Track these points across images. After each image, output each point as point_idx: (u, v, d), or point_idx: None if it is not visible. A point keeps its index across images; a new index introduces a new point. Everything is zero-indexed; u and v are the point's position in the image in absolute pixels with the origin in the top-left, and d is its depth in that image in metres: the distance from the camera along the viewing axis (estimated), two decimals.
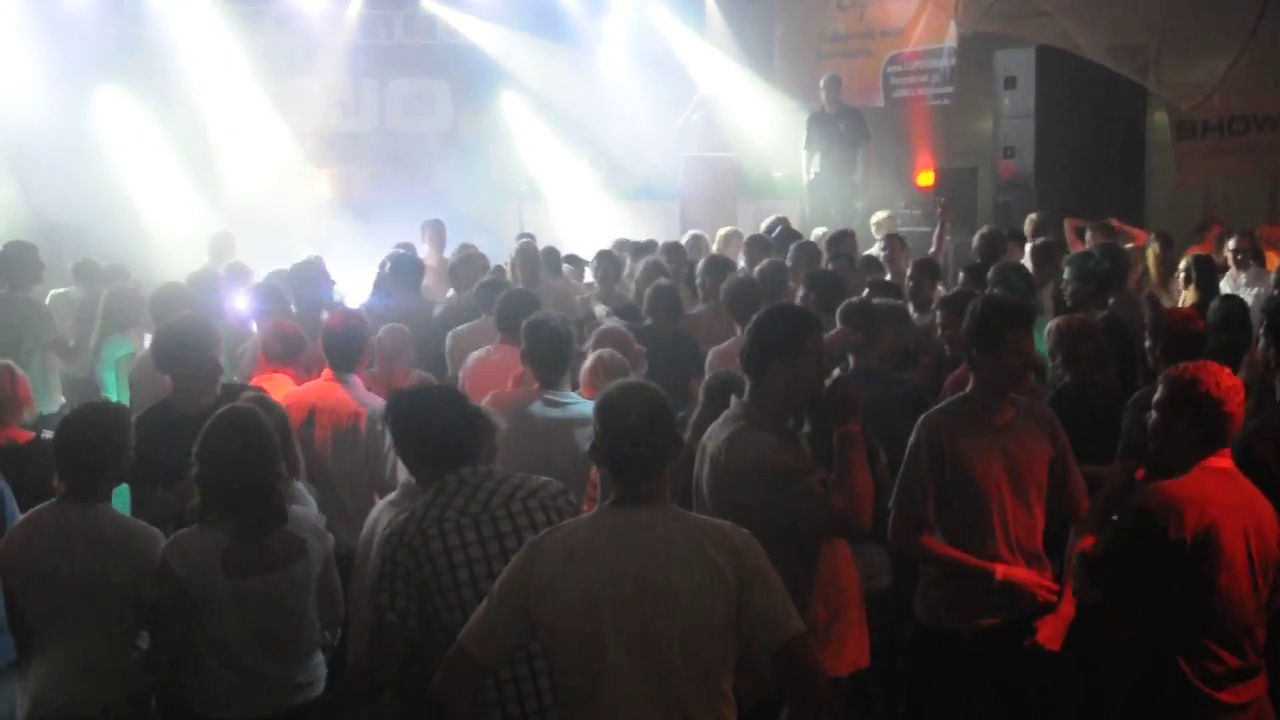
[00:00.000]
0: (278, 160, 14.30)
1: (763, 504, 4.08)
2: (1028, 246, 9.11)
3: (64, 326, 8.67)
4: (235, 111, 14.54)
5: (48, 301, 9.07)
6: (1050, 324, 6.16)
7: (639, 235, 11.51)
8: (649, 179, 15.15)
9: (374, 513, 4.47)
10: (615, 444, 3.37)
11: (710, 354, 6.82)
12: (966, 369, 5.02)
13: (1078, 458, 4.81)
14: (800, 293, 7.47)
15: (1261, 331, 4.83)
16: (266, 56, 14.80)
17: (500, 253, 10.97)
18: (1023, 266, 7.98)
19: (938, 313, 6.61)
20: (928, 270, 8.28)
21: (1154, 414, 4.17)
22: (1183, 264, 8.35)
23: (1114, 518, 4.21)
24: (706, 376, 5.80)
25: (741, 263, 9.46)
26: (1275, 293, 7.43)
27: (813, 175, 13.45)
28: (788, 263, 8.64)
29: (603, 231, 11.85)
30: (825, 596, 4.31)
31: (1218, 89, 12.51)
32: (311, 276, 7.88)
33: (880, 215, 12.31)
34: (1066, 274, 7.23)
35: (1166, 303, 8.29)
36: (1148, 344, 5.91)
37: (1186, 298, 8.10)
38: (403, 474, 4.42)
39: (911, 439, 4.74)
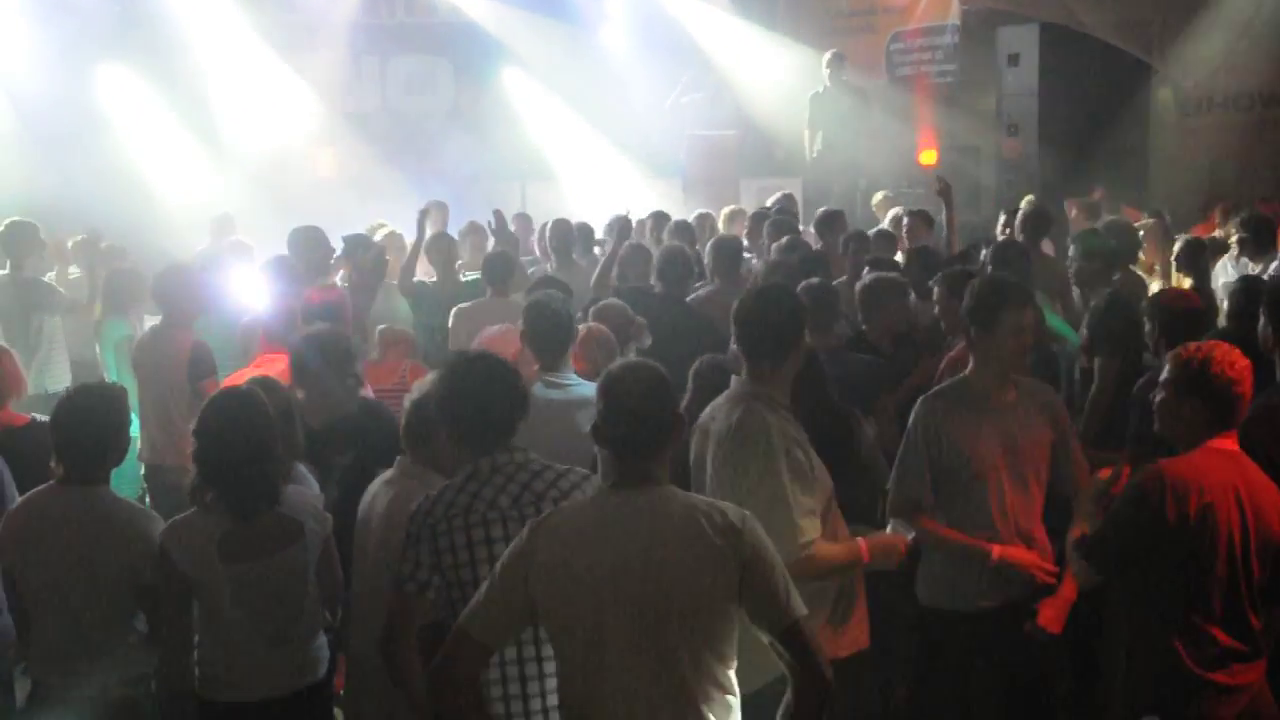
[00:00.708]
0: (278, 139, 14.26)
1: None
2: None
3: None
4: (236, 90, 14.51)
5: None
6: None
7: (641, 214, 11.50)
8: (651, 157, 15.10)
9: (370, 491, 4.45)
10: (616, 424, 3.36)
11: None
12: (964, 349, 5.01)
13: None
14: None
15: (1262, 310, 4.80)
16: (268, 35, 14.75)
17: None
18: (1021, 244, 7.93)
19: (935, 291, 6.59)
20: (927, 259, 8.20)
21: (1161, 392, 4.15)
22: (1176, 247, 8.32)
23: (1115, 496, 4.22)
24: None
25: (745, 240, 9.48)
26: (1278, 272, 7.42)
27: (815, 154, 13.40)
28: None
29: (605, 210, 11.81)
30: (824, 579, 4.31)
31: (1223, 65, 12.47)
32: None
33: (879, 196, 12.28)
34: (1072, 251, 7.22)
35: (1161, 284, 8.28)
36: (1147, 327, 5.92)
37: (1180, 281, 8.08)
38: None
39: (910, 421, 4.74)
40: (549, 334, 5.56)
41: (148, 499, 6.49)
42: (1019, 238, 8.47)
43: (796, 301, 4.47)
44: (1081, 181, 11.86)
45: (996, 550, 4.60)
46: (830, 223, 9.56)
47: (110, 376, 7.16)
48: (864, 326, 6.63)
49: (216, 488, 4.20)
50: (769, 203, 11.17)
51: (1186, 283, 7.90)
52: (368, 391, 5.79)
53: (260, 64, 14.61)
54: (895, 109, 14.42)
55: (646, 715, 3.22)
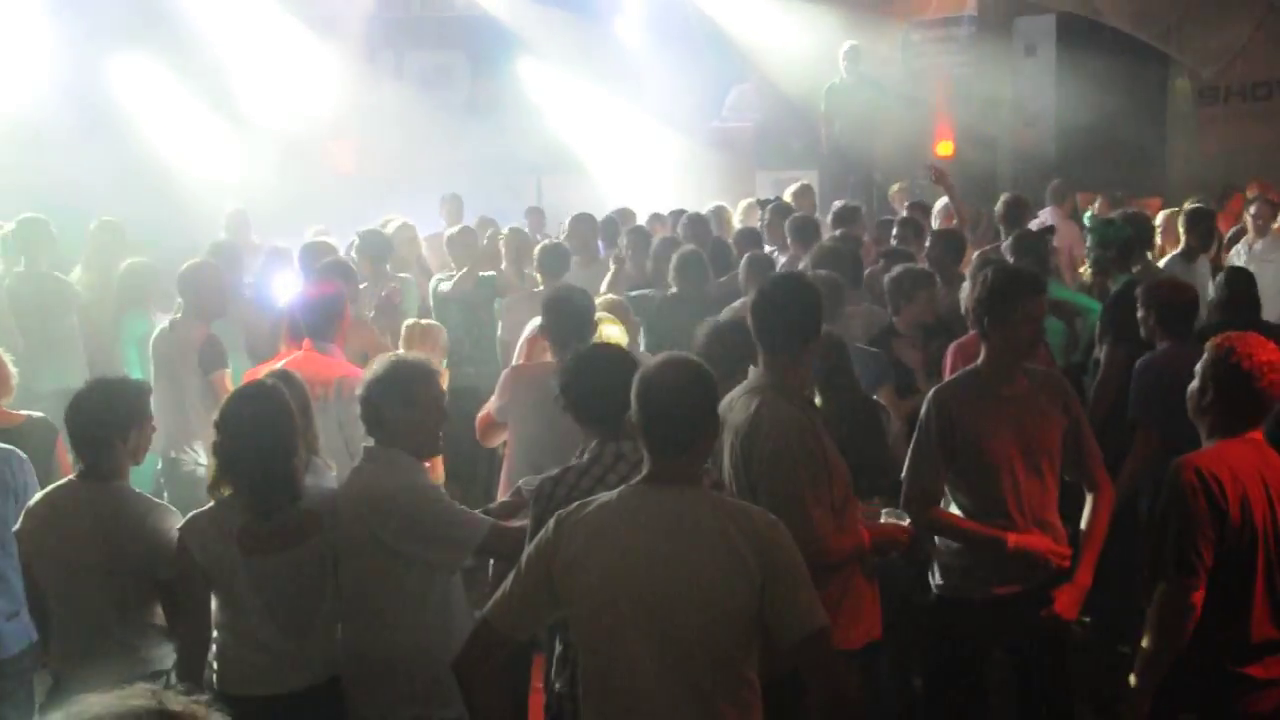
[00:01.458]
0: (295, 134, 14.28)
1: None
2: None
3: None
4: (253, 85, 14.52)
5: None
6: None
7: (658, 206, 11.51)
8: (667, 149, 15.09)
9: (346, 480, 4.43)
10: (650, 420, 3.31)
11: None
12: (974, 338, 5.01)
13: None
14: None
15: None
16: (284, 30, 14.77)
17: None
18: (1038, 233, 7.93)
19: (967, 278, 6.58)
20: (951, 243, 8.20)
21: (1198, 380, 4.13)
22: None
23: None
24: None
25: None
26: None
27: (831, 146, 13.38)
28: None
29: (620, 203, 11.83)
30: (838, 569, 4.31)
31: (1241, 54, 12.42)
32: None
33: (895, 187, 12.26)
34: (1089, 240, 7.22)
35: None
36: (1140, 314, 6.01)
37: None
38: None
39: (922, 411, 4.74)
40: (568, 328, 5.57)
41: (165, 493, 6.50)
42: (1000, 228, 8.50)
43: (814, 293, 4.47)
44: (1098, 173, 11.81)
45: (1012, 539, 4.60)
46: (846, 217, 9.58)
47: (132, 372, 7.18)
48: (894, 318, 6.64)
49: (236, 482, 4.22)
50: (787, 195, 11.16)
51: None
52: None
53: (276, 59, 14.62)
54: (912, 100, 14.38)
55: (665, 710, 3.21)
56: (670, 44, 15.67)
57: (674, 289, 7.65)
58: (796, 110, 14.54)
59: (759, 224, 10.19)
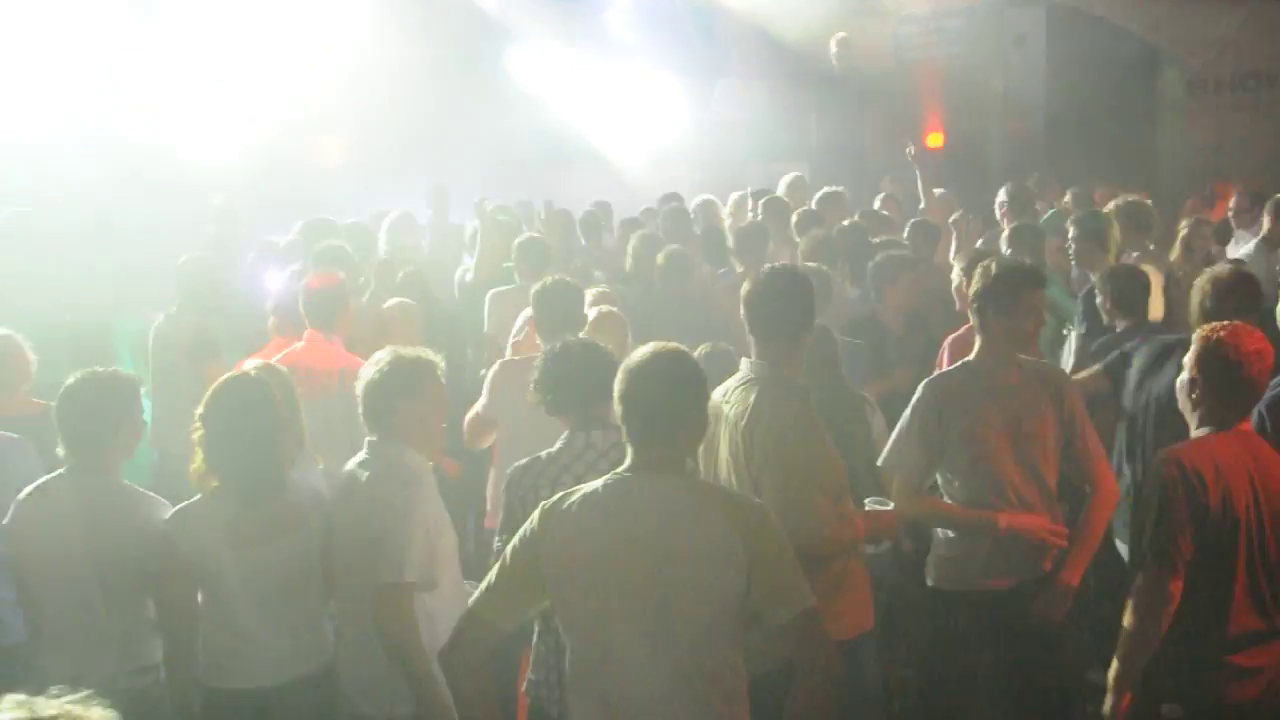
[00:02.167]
0: (283, 124, 14.22)
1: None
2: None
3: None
4: (240, 78, 14.44)
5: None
6: None
7: (649, 199, 11.48)
8: (659, 141, 15.05)
9: (344, 475, 4.38)
10: (631, 411, 3.35)
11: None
12: (969, 331, 5.02)
13: None
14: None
15: None
16: (273, 22, 14.68)
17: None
18: (1035, 227, 7.93)
19: (955, 269, 6.58)
20: (924, 232, 8.21)
21: (1183, 375, 4.14)
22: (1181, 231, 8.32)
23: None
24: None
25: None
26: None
27: (819, 137, 13.36)
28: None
29: (612, 195, 11.80)
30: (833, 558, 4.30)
31: (1230, 46, 12.44)
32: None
33: (886, 179, 12.24)
34: (1071, 231, 7.23)
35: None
36: (1098, 299, 6.18)
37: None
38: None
39: (913, 401, 4.74)
40: (557, 319, 5.56)
41: (161, 488, 6.47)
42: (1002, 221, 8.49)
43: (807, 284, 4.47)
44: (1088, 164, 11.81)
45: (1004, 519, 4.62)
46: (831, 203, 9.64)
47: (124, 368, 7.14)
48: (876, 305, 6.64)
49: (224, 473, 4.20)
50: (780, 188, 11.13)
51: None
52: None
53: (265, 50, 14.54)
54: (903, 92, 14.36)
55: (651, 698, 3.23)
56: (662, 35, 15.62)
57: (657, 285, 7.65)
58: (786, 102, 14.51)
59: (753, 217, 10.17)
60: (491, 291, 7.73)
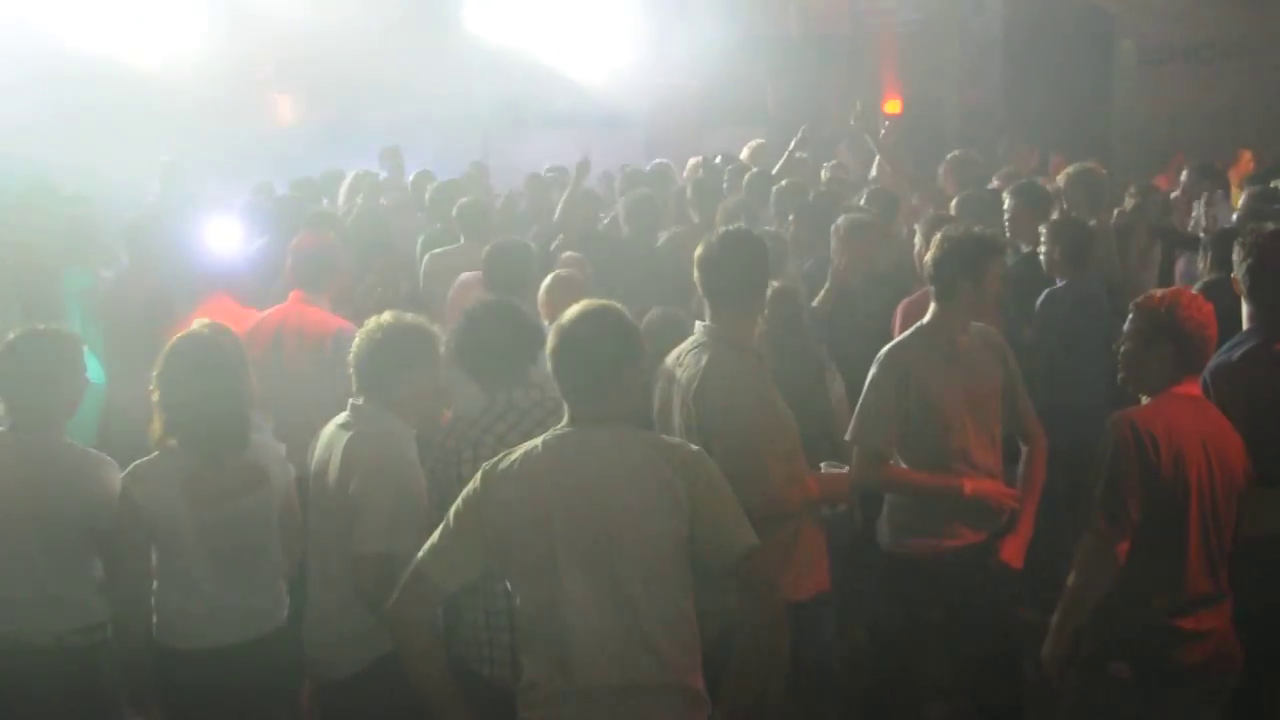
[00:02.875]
0: (235, 83, 14.02)
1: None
2: None
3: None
4: (189, 36, 14.21)
5: None
6: None
7: (603, 164, 11.42)
8: (613, 106, 14.97)
9: (322, 436, 4.33)
10: (562, 370, 3.37)
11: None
12: (924, 295, 5.03)
13: None
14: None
15: (1236, 253, 4.77)
16: None
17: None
18: (990, 192, 7.93)
19: (917, 235, 6.58)
20: (885, 201, 8.17)
21: (1127, 343, 4.14)
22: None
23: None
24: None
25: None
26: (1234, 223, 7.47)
27: (777, 102, 13.33)
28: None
29: (567, 159, 11.73)
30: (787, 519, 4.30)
31: (1182, 16, 12.50)
32: None
33: (842, 145, 12.24)
34: (1008, 203, 7.26)
35: None
36: (1043, 248, 6.36)
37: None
38: None
39: (873, 371, 4.73)
40: (508, 279, 5.53)
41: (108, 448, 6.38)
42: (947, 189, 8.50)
43: (762, 246, 4.45)
44: (1044, 131, 11.85)
45: (969, 484, 4.64)
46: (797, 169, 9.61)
47: (74, 326, 7.02)
48: (837, 266, 6.61)
49: (184, 431, 4.15)
50: (743, 154, 11.10)
51: None
52: None
53: (213, 7, 14.31)
54: (860, 58, 14.36)
55: (603, 649, 3.23)
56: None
57: (625, 230, 7.65)
58: (743, 68, 14.45)
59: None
60: (430, 253, 7.65)
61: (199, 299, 6.20)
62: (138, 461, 4.26)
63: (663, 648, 3.25)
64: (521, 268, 5.62)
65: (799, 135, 10.30)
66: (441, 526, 3.39)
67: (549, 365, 3.42)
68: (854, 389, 4.95)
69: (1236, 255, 4.67)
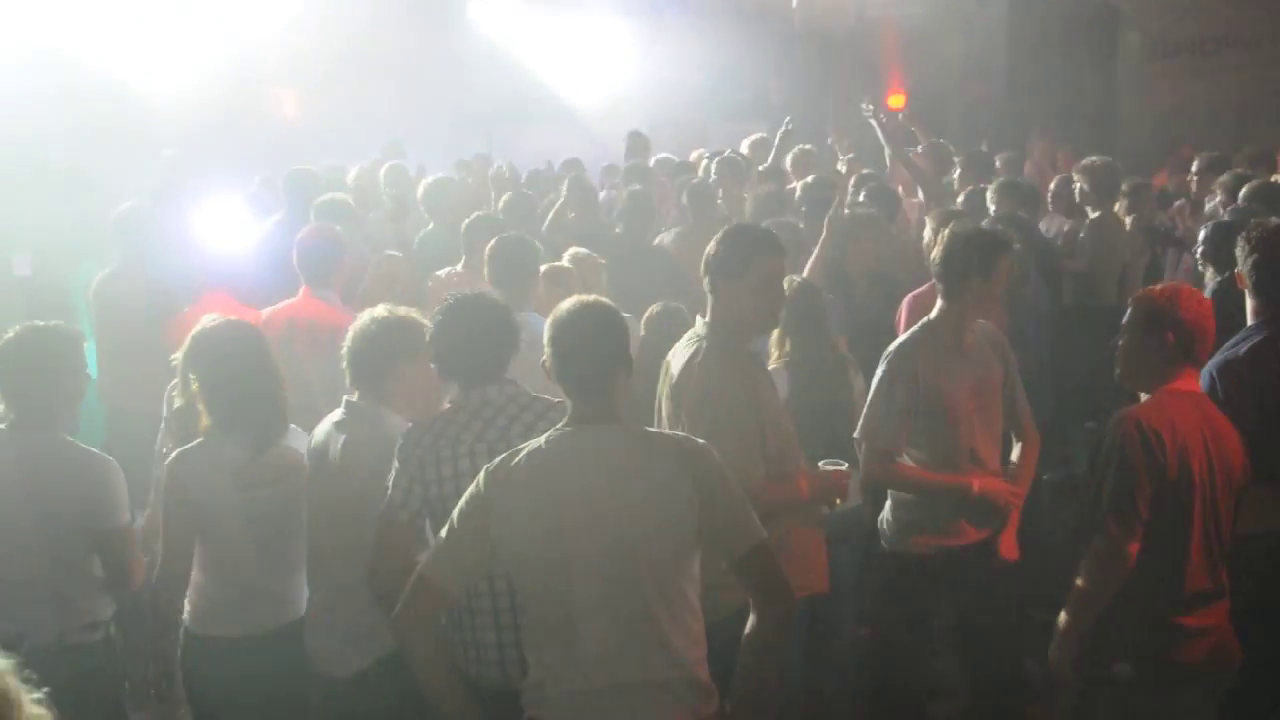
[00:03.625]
0: (236, 79, 14.01)
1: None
2: None
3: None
4: (196, 29, 14.21)
5: None
6: None
7: (607, 159, 11.41)
8: (618, 101, 14.95)
9: (319, 432, 4.29)
10: (563, 362, 3.36)
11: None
12: (930, 290, 5.02)
13: None
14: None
15: (1239, 248, 4.75)
16: None
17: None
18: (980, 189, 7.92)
19: (926, 229, 6.56)
20: (887, 200, 8.14)
21: (1124, 336, 4.11)
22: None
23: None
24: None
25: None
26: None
27: (780, 97, 13.31)
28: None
29: (572, 153, 11.72)
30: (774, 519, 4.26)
31: (1188, 9, 12.46)
32: None
33: (845, 140, 12.22)
34: (990, 194, 7.29)
35: None
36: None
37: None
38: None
39: (882, 368, 4.71)
40: (508, 274, 5.52)
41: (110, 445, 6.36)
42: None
43: (774, 241, 4.38)
44: (1049, 125, 11.82)
45: (977, 483, 4.66)
46: (805, 163, 9.67)
47: (81, 323, 7.00)
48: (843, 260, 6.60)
49: (233, 416, 4.18)
50: (744, 148, 11.08)
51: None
52: None
53: (218, 5, 14.31)
54: (864, 51, 14.31)
55: (616, 647, 3.22)
56: None
57: (618, 229, 7.68)
58: (746, 63, 14.43)
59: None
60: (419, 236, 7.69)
61: (198, 295, 6.19)
62: (184, 448, 4.29)
63: (673, 643, 3.25)
64: (522, 263, 5.59)
65: (784, 127, 10.26)
66: (445, 531, 3.36)
67: (549, 362, 3.39)
68: None
69: (1240, 250, 4.65)
